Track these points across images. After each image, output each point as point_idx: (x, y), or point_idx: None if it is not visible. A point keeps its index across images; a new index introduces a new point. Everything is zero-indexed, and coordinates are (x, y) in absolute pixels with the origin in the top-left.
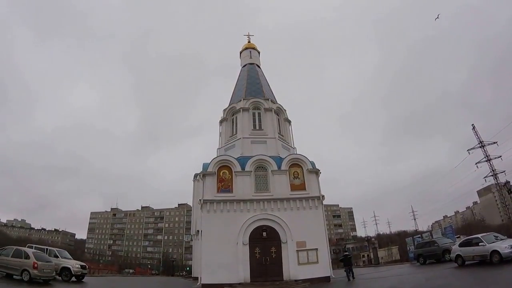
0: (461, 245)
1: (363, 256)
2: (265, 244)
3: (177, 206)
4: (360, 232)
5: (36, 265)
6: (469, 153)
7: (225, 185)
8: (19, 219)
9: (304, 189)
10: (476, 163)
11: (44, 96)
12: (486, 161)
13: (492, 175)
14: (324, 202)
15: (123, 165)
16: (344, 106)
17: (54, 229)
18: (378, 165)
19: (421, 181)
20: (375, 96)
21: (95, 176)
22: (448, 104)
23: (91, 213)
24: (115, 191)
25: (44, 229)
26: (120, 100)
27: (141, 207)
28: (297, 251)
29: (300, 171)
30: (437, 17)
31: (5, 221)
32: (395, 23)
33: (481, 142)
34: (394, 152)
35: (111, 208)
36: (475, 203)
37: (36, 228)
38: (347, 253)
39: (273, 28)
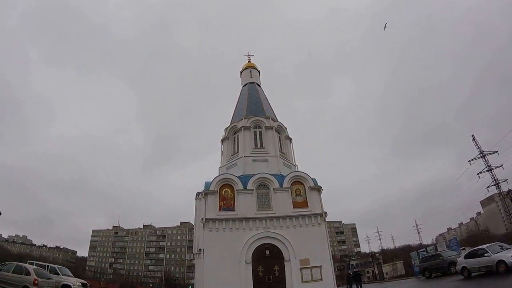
0: (466, 256)
1: (368, 272)
2: (268, 263)
3: (179, 224)
4: (364, 248)
5: (36, 282)
6: (470, 164)
7: (227, 204)
8: (21, 235)
9: (307, 206)
10: (477, 174)
11: (54, 112)
12: (488, 171)
13: (494, 185)
14: (327, 219)
15: (127, 183)
16: (349, 123)
17: (56, 246)
18: (381, 181)
19: (425, 194)
20: (380, 112)
21: (100, 194)
22: (451, 117)
23: (93, 230)
24: (118, 209)
25: (46, 246)
26: (128, 119)
27: (143, 225)
28: (301, 269)
29: (302, 189)
30: (385, 26)
31: (6, 237)
32: (397, 41)
33: (481, 152)
34: (397, 167)
35: (113, 226)
36: (478, 213)
37: (37, 245)
38: (356, 269)
39: (279, 48)
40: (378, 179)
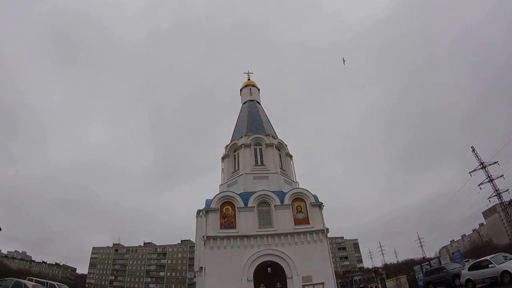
0: (470, 268)
1: (371, 287)
2: (270, 280)
3: (179, 242)
4: (367, 263)
5: None
6: (471, 175)
7: (228, 221)
8: (20, 251)
9: (308, 223)
10: (478, 185)
11: (58, 130)
12: (489, 181)
13: (495, 195)
14: (329, 235)
15: (128, 201)
16: (351, 139)
17: (55, 262)
18: (383, 195)
19: (428, 208)
20: (380, 128)
21: (101, 211)
22: (452, 130)
23: (93, 248)
24: (119, 227)
25: (45, 262)
26: (133, 137)
27: (144, 243)
28: (303, 286)
29: (303, 205)
30: (344, 62)
31: (6, 252)
32: (398, 54)
33: (482, 163)
34: (399, 181)
35: (113, 244)
36: (481, 224)
37: (36, 261)
38: (362, 285)
39: (281, 66)
40: (381, 194)
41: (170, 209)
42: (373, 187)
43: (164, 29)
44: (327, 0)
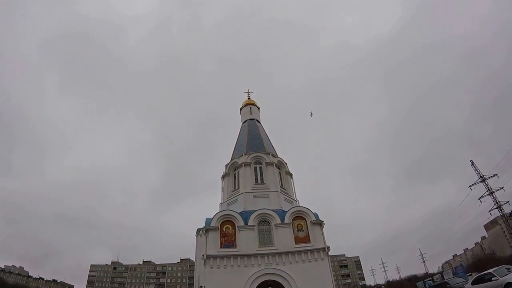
0: (473, 282)
1: None
2: None
3: (179, 261)
4: (369, 281)
5: None
6: (471, 189)
7: (228, 240)
8: (17, 266)
9: (309, 241)
10: (479, 198)
11: (65, 147)
12: (489, 194)
13: (496, 208)
14: (330, 253)
15: (129, 218)
16: (353, 156)
17: (52, 279)
18: (388, 212)
19: (428, 223)
20: (384, 145)
21: (102, 228)
22: (452, 144)
23: (91, 265)
24: (120, 244)
25: (42, 279)
26: (139, 155)
27: (143, 261)
28: None
29: (304, 223)
30: (311, 115)
31: (2, 266)
32: (402, 73)
33: (481, 176)
34: (403, 197)
35: (112, 262)
36: (483, 237)
37: (33, 277)
38: None
39: (285, 85)
40: (386, 211)
41: (171, 227)
42: (378, 204)
43: (173, 50)
44: (336, 21)
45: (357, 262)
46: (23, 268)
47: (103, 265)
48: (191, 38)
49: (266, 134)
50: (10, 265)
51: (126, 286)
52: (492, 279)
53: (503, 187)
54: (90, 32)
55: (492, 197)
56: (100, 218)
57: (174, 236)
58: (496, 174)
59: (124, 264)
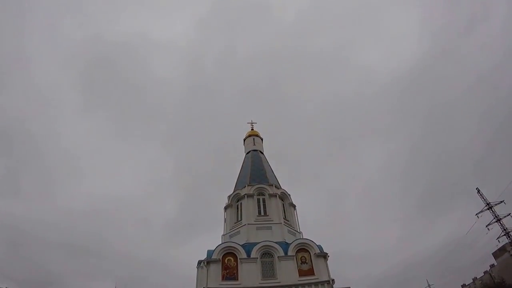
0: None
1: None
2: None
3: None
4: None
5: None
6: (478, 217)
7: (230, 273)
8: None
9: (313, 274)
10: (486, 226)
11: (78, 174)
12: (496, 221)
13: (504, 234)
14: (336, 285)
15: (141, 249)
16: (369, 188)
17: None
18: (399, 243)
19: (438, 253)
20: (392, 176)
21: (111, 259)
22: (464, 173)
23: None
24: (127, 275)
25: None
26: (158, 185)
27: None
28: None
29: (308, 256)
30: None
31: None
32: (415, 103)
33: (488, 203)
34: (414, 228)
35: None
36: (492, 265)
37: None
38: None
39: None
40: (397, 242)
41: (185, 258)
42: (389, 235)
43: (204, 79)
44: (355, 55)
45: None
46: None
47: None
48: (223, 68)
49: (270, 166)
50: (4, 287)
51: None
52: None
53: (510, 214)
54: (114, 55)
55: (499, 224)
56: (110, 248)
57: (188, 268)
58: (503, 201)
59: None
